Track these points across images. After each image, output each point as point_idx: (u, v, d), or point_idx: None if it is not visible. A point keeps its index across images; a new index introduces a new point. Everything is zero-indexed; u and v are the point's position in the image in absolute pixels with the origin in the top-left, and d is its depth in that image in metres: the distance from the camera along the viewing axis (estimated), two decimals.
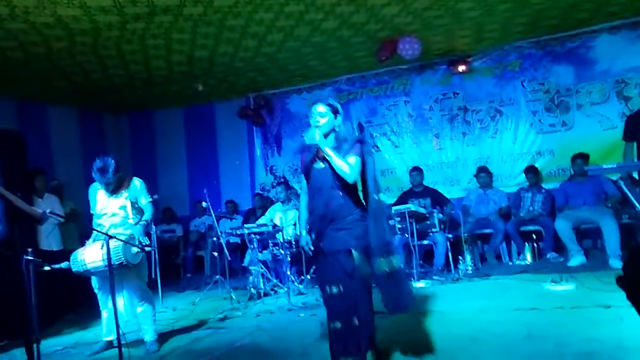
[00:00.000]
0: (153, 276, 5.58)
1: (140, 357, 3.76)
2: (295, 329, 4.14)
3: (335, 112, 3.02)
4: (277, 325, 4.36)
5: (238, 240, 7.28)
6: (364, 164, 2.94)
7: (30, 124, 6.95)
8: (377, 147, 7.79)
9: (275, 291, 5.79)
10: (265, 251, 6.17)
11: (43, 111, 7.55)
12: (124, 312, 3.98)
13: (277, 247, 5.91)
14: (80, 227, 6.57)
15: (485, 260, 6.50)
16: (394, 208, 5.90)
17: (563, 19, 6.18)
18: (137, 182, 4.09)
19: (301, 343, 3.68)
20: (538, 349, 3.01)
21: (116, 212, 3.96)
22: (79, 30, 5.10)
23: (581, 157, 6.06)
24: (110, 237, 3.44)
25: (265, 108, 8.41)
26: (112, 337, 3.97)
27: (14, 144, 5.44)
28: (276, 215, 6.53)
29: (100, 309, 4.10)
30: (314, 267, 5.93)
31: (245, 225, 6.13)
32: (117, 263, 3.58)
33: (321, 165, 2.97)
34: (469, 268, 5.91)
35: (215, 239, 6.47)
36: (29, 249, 3.60)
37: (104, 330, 4.10)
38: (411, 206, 5.74)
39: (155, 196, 4.65)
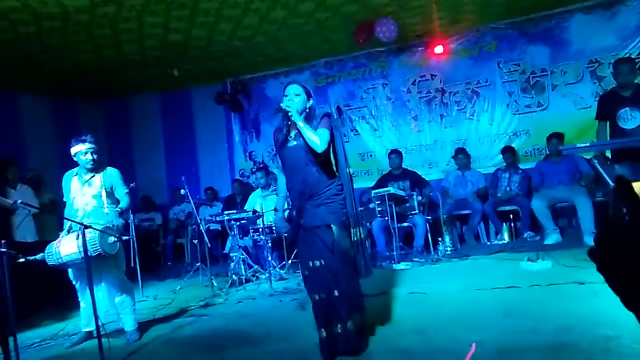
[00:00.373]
0: (132, 265, 5.52)
1: (121, 346, 3.72)
2: (277, 314, 4.15)
3: (308, 94, 3.15)
4: (259, 310, 4.36)
5: (218, 227, 7.25)
6: (333, 138, 3.05)
7: (1, 114, 6.74)
8: (356, 130, 7.79)
9: (257, 277, 5.80)
10: (245, 237, 6.15)
11: (13, 100, 7.33)
12: (103, 303, 3.93)
13: (258, 233, 5.90)
14: (59, 218, 6.44)
15: (464, 240, 6.60)
16: (373, 191, 5.93)
17: (538, 0, 6.21)
18: (112, 170, 4.02)
19: (283, 328, 3.69)
20: (516, 326, 3.07)
21: (90, 200, 3.88)
22: (47, 14, 4.95)
23: (556, 137, 6.15)
24: (86, 226, 3.38)
25: (242, 93, 8.32)
26: (91, 327, 3.92)
27: None
28: (257, 202, 6.50)
29: (79, 300, 4.04)
30: (295, 247, 5.95)
31: (225, 212, 6.09)
32: (94, 254, 3.52)
33: (294, 142, 3.06)
34: (448, 249, 5.99)
35: (195, 226, 6.43)
36: (3, 241, 3.53)
37: (82, 321, 4.05)
38: (391, 189, 5.78)
39: (133, 184, 4.59)
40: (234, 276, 5.64)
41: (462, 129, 7.25)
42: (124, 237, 3.91)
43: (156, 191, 8.52)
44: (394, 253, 5.64)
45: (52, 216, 6.25)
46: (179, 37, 6.03)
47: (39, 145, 7.50)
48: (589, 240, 5.32)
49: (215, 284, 5.47)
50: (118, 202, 4.00)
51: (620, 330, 2.71)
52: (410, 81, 7.49)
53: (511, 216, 6.36)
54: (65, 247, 3.60)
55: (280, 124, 3.17)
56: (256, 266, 5.92)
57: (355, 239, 3.03)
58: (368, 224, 6.09)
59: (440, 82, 7.33)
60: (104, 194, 3.90)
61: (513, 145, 6.80)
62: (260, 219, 5.86)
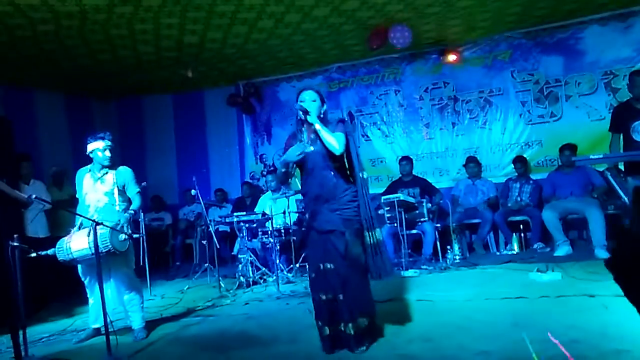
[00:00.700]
0: (141, 264, 5.56)
1: (129, 344, 3.74)
2: (284, 317, 4.15)
3: (322, 100, 3.22)
4: (265, 313, 4.37)
5: (227, 228, 7.27)
6: (347, 143, 3.11)
7: (16, 110, 6.82)
8: (367, 136, 7.79)
9: (264, 280, 5.80)
10: (254, 239, 6.16)
11: (30, 97, 7.43)
12: (111, 300, 3.96)
13: (267, 236, 5.91)
14: (72, 214, 6.51)
15: (473, 249, 6.56)
16: (383, 197, 5.91)
17: (553, 10, 6.20)
18: (125, 169, 4.05)
19: (290, 330, 3.69)
20: (524, 336, 3.04)
21: (102, 197, 3.92)
22: (65, 13, 5.01)
23: (569, 148, 6.10)
24: (98, 223, 3.41)
25: (255, 96, 8.36)
26: (99, 324, 3.95)
27: (1, 129, 5.35)
28: (267, 205, 6.52)
29: (88, 296, 4.07)
30: (303, 249, 5.96)
31: (234, 214, 6.11)
32: (104, 250, 3.55)
33: (310, 148, 3.12)
34: (457, 257, 5.96)
35: (204, 227, 6.46)
36: (15, 235, 3.57)
37: (91, 318, 4.08)
38: (400, 195, 5.77)
39: (144, 184, 4.62)
40: (241, 278, 5.65)
41: (474, 138, 7.22)
42: (134, 235, 3.93)
43: (166, 191, 8.57)
44: (402, 260, 5.62)
45: (65, 212, 6.32)
46: (194, 38, 6.08)
47: (53, 142, 7.58)
48: (600, 253, 5.27)
49: (222, 285, 5.48)
50: (129, 200, 4.03)
51: (629, 345, 2.69)
52: (423, 88, 7.49)
53: (521, 226, 6.32)
54: (76, 243, 3.64)
55: (296, 129, 3.24)
56: (264, 269, 5.92)
57: (371, 241, 3.08)
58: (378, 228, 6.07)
59: (453, 90, 7.32)
60: (116, 191, 3.93)
61: (525, 155, 6.76)
62: (270, 221, 5.88)
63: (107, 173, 3.97)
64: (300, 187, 3.35)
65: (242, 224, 5.89)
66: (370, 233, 3.08)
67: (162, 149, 8.85)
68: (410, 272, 5.39)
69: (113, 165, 4.01)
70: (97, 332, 4.01)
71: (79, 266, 3.93)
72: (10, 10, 4.83)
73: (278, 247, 5.74)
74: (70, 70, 6.86)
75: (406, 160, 6.73)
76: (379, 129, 7.75)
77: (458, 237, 6.22)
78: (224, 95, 8.39)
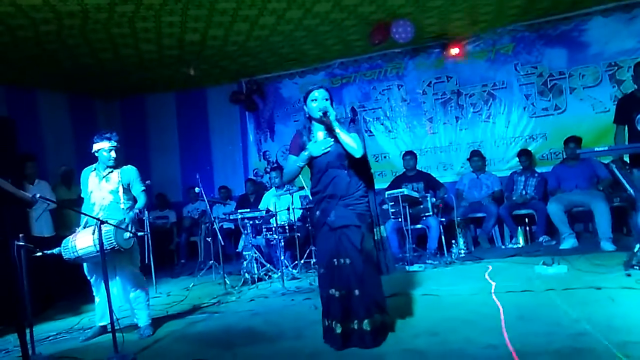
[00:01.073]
0: (147, 261, 5.58)
1: (135, 341, 3.75)
2: (289, 313, 4.15)
3: (331, 99, 3.24)
4: (271, 309, 4.37)
5: (231, 225, 7.28)
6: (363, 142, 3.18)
7: (19, 110, 6.84)
8: (371, 131, 7.77)
9: (269, 276, 5.81)
10: (258, 236, 6.17)
11: (33, 97, 7.44)
12: (117, 298, 3.97)
13: (271, 233, 5.91)
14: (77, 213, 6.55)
15: (478, 243, 6.54)
16: (387, 192, 5.91)
17: (556, 2, 6.16)
18: (130, 168, 4.07)
19: (295, 326, 3.69)
20: (530, 329, 3.04)
21: (106, 196, 3.94)
22: (67, 13, 5.01)
23: (574, 141, 6.07)
24: (102, 222, 3.42)
25: (257, 93, 8.35)
26: (105, 322, 3.97)
27: (5, 129, 5.36)
28: (271, 201, 6.52)
29: (94, 294, 4.09)
30: (309, 245, 5.97)
31: (238, 211, 6.12)
32: (109, 247, 3.56)
33: (332, 144, 3.12)
34: (462, 252, 5.95)
35: (208, 224, 6.47)
36: (20, 235, 3.59)
37: (97, 316, 4.10)
38: (405, 190, 5.75)
39: (148, 182, 4.64)
40: (246, 275, 5.66)
41: (478, 132, 7.19)
42: (139, 233, 3.94)
43: (170, 189, 8.59)
44: (407, 255, 5.61)
45: (70, 212, 6.35)
46: (195, 36, 6.08)
47: (56, 142, 7.60)
48: (606, 246, 5.26)
49: (227, 282, 5.49)
50: (134, 198, 4.05)
51: (636, 336, 2.68)
52: (426, 83, 7.46)
53: (526, 220, 6.30)
54: (81, 241, 3.66)
55: (303, 128, 3.25)
56: (269, 265, 5.93)
57: (377, 237, 3.17)
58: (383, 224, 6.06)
59: (456, 84, 7.29)
60: (120, 190, 3.95)
61: (529, 149, 6.73)
62: (274, 218, 5.88)
63: (112, 172, 3.99)
64: (309, 184, 3.35)
65: (246, 220, 5.89)
66: (377, 229, 3.18)
67: (165, 147, 8.86)
68: (415, 267, 5.39)
69: (118, 164, 4.02)
70: (103, 329, 4.02)
71: (85, 265, 3.95)
72: (12, 11, 4.83)
73: (282, 243, 5.74)
74: (72, 69, 6.87)
75: (410, 155, 6.72)
76: (382, 124, 7.73)
77: (463, 232, 6.21)
78: (226, 92, 8.39)
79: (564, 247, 5.62)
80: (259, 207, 6.50)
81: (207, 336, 3.75)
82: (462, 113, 7.28)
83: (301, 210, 6.25)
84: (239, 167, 8.72)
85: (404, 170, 6.77)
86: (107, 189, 3.94)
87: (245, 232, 6.01)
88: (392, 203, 5.89)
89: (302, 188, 6.06)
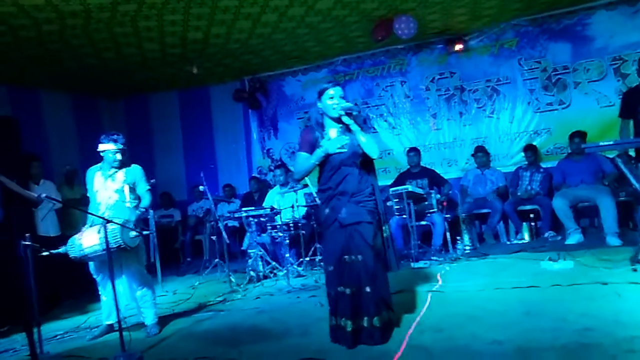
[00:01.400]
0: (152, 260, 5.59)
1: (142, 340, 3.77)
2: (295, 310, 4.16)
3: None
4: (276, 307, 4.38)
5: (236, 223, 7.29)
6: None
7: (23, 110, 6.86)
8: (374, 128, 7.76)
9: (275, 274, 5.81)
10: (263, 234, 6.17)
11: (37, 97, 7.46)
12: (124, 296, 3.99)
13: (276, 230, 5.92)
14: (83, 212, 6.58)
15: (483, 240, 6.52)
16: (391, 189, 5.90)
17: None
18: (135, 167, 4.09)
19: (301, 323, 3.69)
20: (536, 325, 3.03)
21: (112, 195, 3.95)
22: (70, 12, 5.02)
23: (579, 135, 6.04)
24: (108, 221, 3.44)
25: (260, 91, 8.35)
26: (112, 320, 3.99)
27: (9, 129, 5.38)
28: (275, 199, 6.53)
29: (100, 293, 4.11)
30: (316, 243, 5.97)
31: (243, 209, 6.12)
32: (115, 246, 3.58)
33: (347, 142, 3.11)
34: (467, 248, 5.93)
35: (213, 222, 6.48)
36: (27, 234, 3.60)
37: (104, 315, 4.11)
38: (409, 187, 5.74)
39: (153, 181, 4.64)
40: (251, 272, 5.67)
41: (482, 127, 7.17)
42: (144, 232, 3.95)
43: (175, 188, 8.61)
44: (412, 251, 5.61)
45: (76, 211, 6.38)
46: (198, 34, 6.07)
47: (60, 142, 7.63)
48: (612, 241, 5.23)
49: (233, 280, 5.50)
50: (139, 197, 4.06)
51: None
52: (429, 79, 7.44)
53: (531, 215, 6.28)
54: (87, 240, 3.67)
55: (315, 125, 3.23)
56: (274, 263, 5.94)
57: (385, 234, 3.19)
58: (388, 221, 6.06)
59: (460, 80, 7.27)
60: (126, 189, 3.96)
61: (534, 144, 6.70)
62: (278, 216, 5.88)
63: (117, 171, 4.01)
64: (312, 182, 3.37)
65: (250, 218, 5.90)
66: (385, 226, 3.21)
67: (169, 146, 8.88)
68: (419, 264, 5.38)
69: (123, 165, 4.03)
70: (110, 328, 4.04)
71: (91, 264, 3.96)
72: (15, 11, 4.84)
73: (287, 241, 5.74)
74: (75, 69, 6.88)
75: (414, 152, 6.70)
76: (385, 121, 7.72)
77: (468, 228, 6.19)
78: (229, 90, 8.39)
79: (570, 242, 5.60)
80: (263, 205, 6.50)
81: (213, 334, 3.76)
82: (465, 109, 7.26)
83: (305, 208, 6.25)
84: (243, 165, 8.73)
85: (408, 166, 6.76)
86: (112, 188, 3.96)
87: (250, 230, 6.02)
88: (397, 200, 5.88)
89: (306, 186, 6.05)
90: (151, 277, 4.22)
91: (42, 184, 5.87)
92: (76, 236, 3.78)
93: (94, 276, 4.04)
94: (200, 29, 5.92)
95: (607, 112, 6.32)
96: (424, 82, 7.47)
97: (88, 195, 4.11)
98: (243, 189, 8.38)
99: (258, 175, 8.37)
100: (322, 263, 5.74)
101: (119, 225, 3.60)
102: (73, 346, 3.84)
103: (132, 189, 4.02)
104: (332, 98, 3.14)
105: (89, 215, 3.88)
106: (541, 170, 6.47)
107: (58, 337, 4.16)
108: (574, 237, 5.63)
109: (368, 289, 2.98)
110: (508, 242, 6.30)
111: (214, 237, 6.42)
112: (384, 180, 7.14)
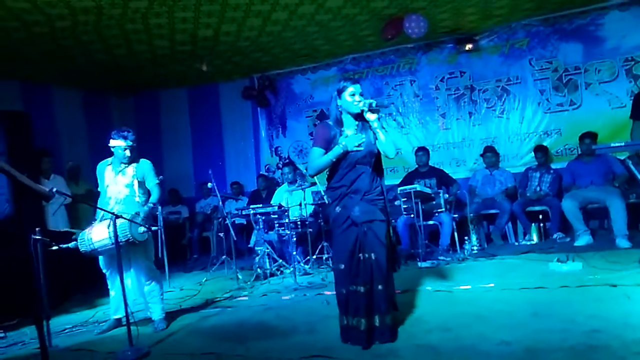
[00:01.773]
0: (160, 256, 5.62)
1: (149, 334, 3.79)
2: (301, 308, 4.17)
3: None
4: (283, 304, 4.39)
5: (244, 221, 7.30)
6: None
7: (35, 106, 6.93)
8: (383, 127, 7.72)
9: (281, 271, 5.83)
10: (271, 232, 6.18)
11: (48, 93, 7.53)
12: (132, 291, 4.02)
13: (283, 228, 5.93)
14: (93, 207, 6.63)
15: (491, 240, 6.50)
16: (399, 188, 5.89)
17: None
18: (145, 162, 4.11)
19: (308, 321, 3.70)
20: (544, 326, 3.02)
21: (122, 189, 3.98)
22: (82, 9, 5.06)
23: (589, 136, 5.99)
24: (117, 216, 3.46)
25: (269, 89, 8.36)
26: (120, 315, 4.02)
27: (21, 124, 5.43)
28: (283, 197, 6.54)
29: (109, 288, 4.14)
30: (323, 242, 5.98)
31: (251, 206, 6.14)
32: (124, 240, 3.61)
33: (364, 140, 3.13)
34: (475, 248, 5.91)
35: (221, 219, 6.50)
36: (37, 229, 3.64)
37: (112, 309, 4.15)
38: (417, 186, 5.73)
39: (161, 177, 4.66)
40: (258, 270, 5.68)
41: (491, 127, 7.13)
42: (152, 227, 3.98)
43: (183, 184, 8.64)
44: (419, 251, 5.60)
45: (85, 207, 6.43)
46: (208, 32, 6.09)
47: (71, 137, 7.69)
48: (622, 243, 5.19)
49: (240, 277, 5.52)
50: (149, 192, 4.09)
51: None
52: (439, 78, 7.41)
53: (540, 216, 6.24)
54: (97, 234, 3.71)
55: (335, 122, 3.19)
56: (281, 260, 5.95)
57: (392, 234, 3.22)
58: (393, 221, 6.05)
59: (470, 79, 7.23)
60: (136, 183, 3.99)
61: (544, 144, 6.66)
62: (286, 213, 5.89)
63: (127, 166, 4.04)
64: (320, 180, 3.38)
65: (258, 216, 5.91)
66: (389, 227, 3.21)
67: (178, 142, 8.91)
68: (427, 263, 5.37)
69: (133, 161, 4.05)
70: (118, 322, 4.08)
71: (101, 258, 4.00)
72: (28, 7, 4.89)
73: (295, 239, 5.75)
74: (87, 65, 6.92)
75: (422, 151, 6.68)
76: (394, 120, 7.70)
77: (476, 228, 6.17)
78: (238, 88, 8.41)
79: (579, 244, 5.56)
80: (271, 202, 6.52)
81: (220, 330, 3.78)
82: (475, 108, 7.22)
83: (313, 206, 6.25)
84: (251, 162, 8.75)
85: (417, 166, 6.74)
86: (122, 182, 3.99)
87: (258, 227, 6.03)
88: (405, 199, 5.87)
89: (314, 184, 6.05)
90: (159, 273, 4.25)
91: (52, 179, 5.93)
92: (86, 230, 3.82)
93: (104, 271, 4.07)
94: (211, 27, 5.94)
95: (618, 113, 6.27)
96: (433, 82, 7.45)
97: (98, 190, 4.14)
98: (251, 186, 8.40)
99: (266, 173, 8.39)
100: (329, 261, 5.75)
101: (127, 220, 3.63)
102: (81, 340, 3.87)
103: (142, 184, 4.05)
104: (353, 95, 3.13)
105: (99, 210, 3.92)
106: (551, 171, 6.42)
107: (67, 330, 4.19)
108: (583, 239, 5.59)
109: (380, 287, 2.98)
110: (516, 243, 6.27)
111: (221, 234, 6.44)
112: (391, 180, 7.15)
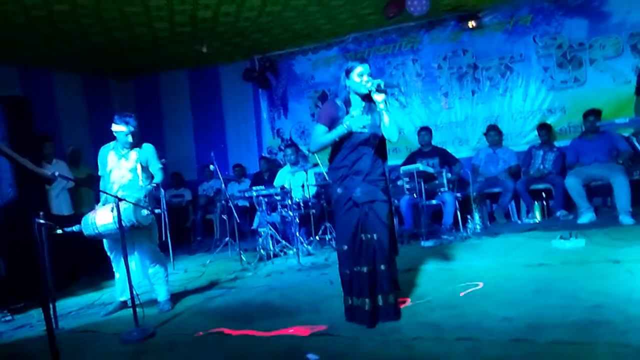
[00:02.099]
0: (164, 239, 5.65)
1: (155, 316, 3.83)
2: (305, 288, 4.20)
3: None
4: (287, 284, 4.42)
5: (246, 203, 7.32)
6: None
7: (35, 90, 6.89)
8: (388, 109, 7.67)
9: (285, 252, 5.85)
10: (274, 213, 6.20)
11: (48, 77, 7.49)
12: (136, 274, 4.04)
13: (286, 209, 5.94)
14: (96, 191, 6.65)
15: (494, 219, 6.50)
16: (402, 168, 5.87)
17: None
18: (148, 146, 4.10)
19: (312, 300, 3.73)
20: (546, 302, 3.03)
21: (126, 174, 3.98)
22: None
23: (593, 114, 5.94)
24: (120, 199, 3.47)
25: (270, 70, 8.30)
26: (126, 297, 4.05)
27: (22, 109, 5.41)
28: (286, 178, 6.53)
29: (114, 270, 4.17)
30: (326, 222, 6.00)
31: (253, 188, 6.15)
32: (128, 225, 3.62)
33: (369, 121, 3.09)
34: (478, 227, 5.92)
35: (223, 202, 6.52)
36: (41, 213, 3.65)
37: (117, 291, 4.18)
38: (420, 166, 5.71)
39: (164, 160, 4.66)
40: (262, 251, 5.71)
41: (494, 106, 7.08)
42: (156, 211, 3.99)
43: (185, 167, 8.64)
44: (423, 230, 5.61)
45: (87, 190, 6.45)
46: (207, 13, 6.02)
47: (71, 122, 7.67)
48: (625, 220, 5.18)
49: (244, 258, 5.55)
50: (152, 176, 4.08)
51: None
52: (441, 57, 7.33)
53: (544, 194, 6.22)
54: (101, 218, 3.72)
55: (343, 102, 3.15)
56: (284, 242, 5.97)
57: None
58: (396, 200, 6.05)
59: (472, 58, 7.15)
60: (139, 167, 3.98)
61: (548, 122, 6.61)
62: (288, 195, 5.89)
63: (130, 150, 4.03)
64: (321, 160, 3.36)
65: (261, 198, 5.92)
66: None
67: (179, 125, 8.88)
68: (430, 242, 5.38)
69: (135, 146, 4.04)
70: (123, 304, 4.12)
71: (105, 241, 4.02)
72: None
73: (297, 220, 5.77)
74: (86, 49, 6.87)
75: (425, 131, 6.65)
76: (396, 100, 7.64)
77: (479, 207, 6.17)
78: (239, 70, 8.35)
79: (582, 221, 5.55)
80: (273, 184, 6.52)
81: (225, 310, 3.81)
82: (478, 87, 7.16)
83: (316, 187, 6.25)
84: (253, 144, 8.73)
85: (419, 146, 6.71)
86: (126, 167, 3.99)
87: (260, 209, 6.04)
88: (408, 179, 5.86)
89: (316, 165, 6.04)
90: (164, 255, 4.27)
91: (54, 163, 5.92)
92: (90, 214, 3.83)
93: (108, 254, 4.10)
94: (210, 8, 5.86)
95: (623, 89, 6.21)
96: (436, 60, 7.37)
97: (98, 174, 4.14)
98: (253, 168, 8.39)
99: (268, 155, 8.37)
100: (332, 242, 5.77)
101: (131, 204, 3.63)
102: (88, 322, 3.92)
103: (145, 168, 4.05)
104: (361, 75, 3.08)
105: (102, 194, 3.92)
106: (554, 149, 6.39)
107: (73, 313, 4.24)
108: (587, 216, 5.58)
109: (383, 267, 2.99)
110: (519, 222, 6.26)
111: (224, 216, 6.46)
112: (394, 160, 7.11)
